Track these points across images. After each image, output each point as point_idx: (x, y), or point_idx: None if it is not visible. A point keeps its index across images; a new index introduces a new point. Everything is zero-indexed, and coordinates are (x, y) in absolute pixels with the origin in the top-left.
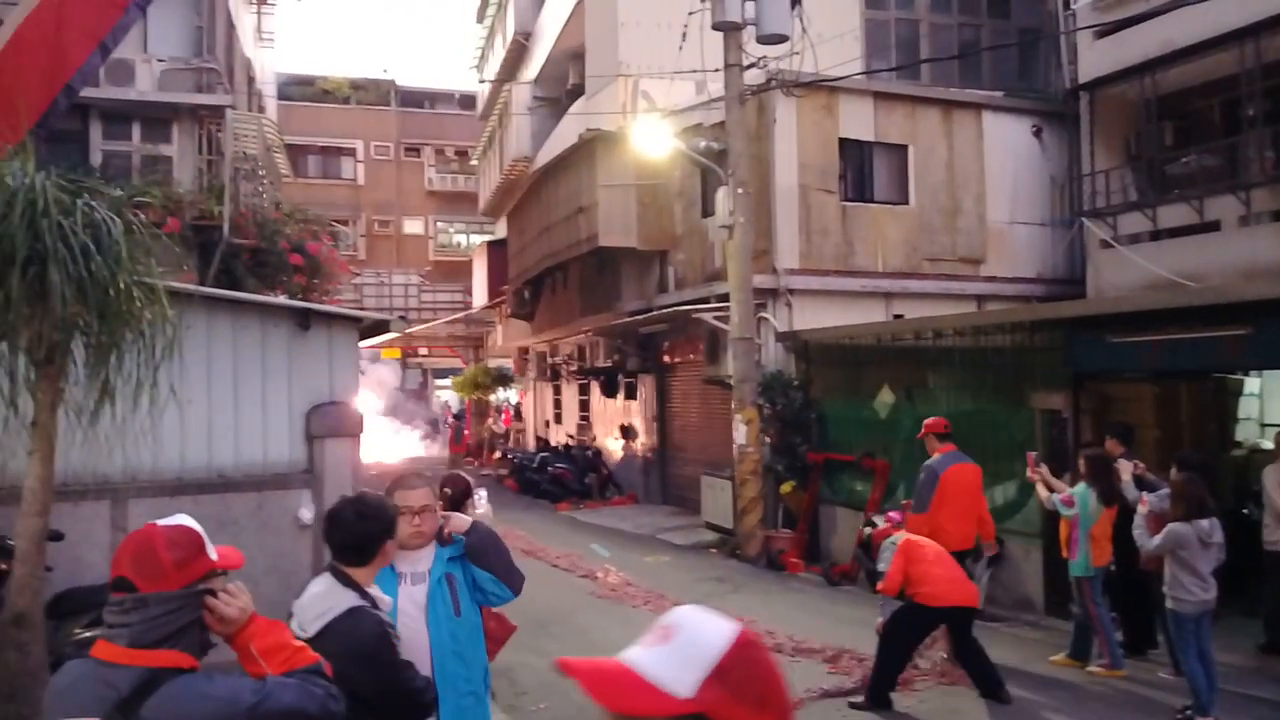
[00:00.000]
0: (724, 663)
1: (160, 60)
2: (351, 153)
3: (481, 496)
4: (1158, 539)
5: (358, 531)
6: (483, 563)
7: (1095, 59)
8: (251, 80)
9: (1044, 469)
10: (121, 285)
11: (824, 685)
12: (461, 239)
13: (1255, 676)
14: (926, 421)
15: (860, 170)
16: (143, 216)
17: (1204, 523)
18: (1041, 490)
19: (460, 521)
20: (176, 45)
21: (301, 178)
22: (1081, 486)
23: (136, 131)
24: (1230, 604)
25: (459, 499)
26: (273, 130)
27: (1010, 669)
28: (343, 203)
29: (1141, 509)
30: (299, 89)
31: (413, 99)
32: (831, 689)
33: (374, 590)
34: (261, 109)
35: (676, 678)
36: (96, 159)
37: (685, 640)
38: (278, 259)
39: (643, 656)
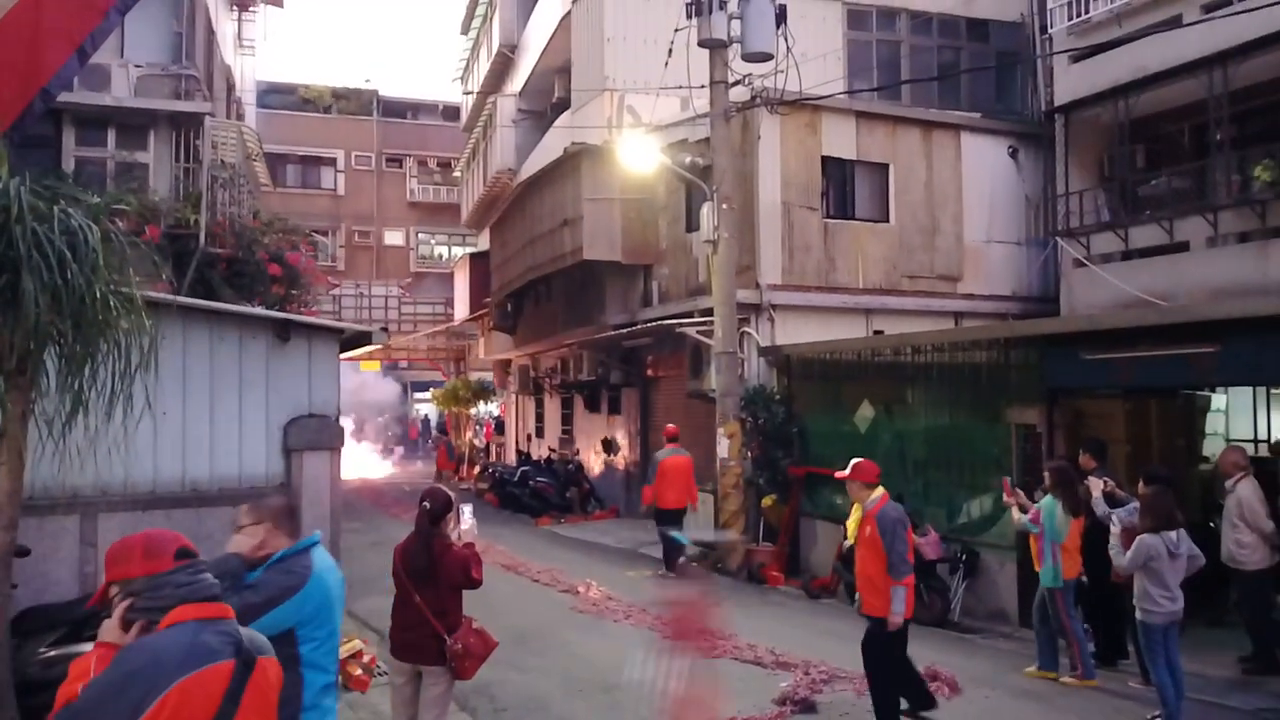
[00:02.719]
0: None
1: (137, 66)
2: (332, 162)
3: (467, 512)
4: (1130, 553)
5: None
6: None
7: (1070, 82)
8: (231, 87)
9: (1020, 493)
10: (98, 294)
11: (803, 696)
12: (443, 251)
13: (1225, 686)
14: (666, 428)
15: (842, 188)
16: (121, 224)
17: (1172, 534)
18: (1016, 514)
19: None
20: (154, 51)
21: (280, 187)
22: (1048, 499)
23: (111, 138)
24: (1197, 615)
25: (439, 513)
26: (253, 139)
27: (985, 679)
28: (322, 213)
29: (1115, 528)
30: (279, 97)
31: (395, 109)
32: (810, 700)
33: None
34: (240, 117)
35: None
36: (69, 165)
37: None
38: (255, 269)
39: None
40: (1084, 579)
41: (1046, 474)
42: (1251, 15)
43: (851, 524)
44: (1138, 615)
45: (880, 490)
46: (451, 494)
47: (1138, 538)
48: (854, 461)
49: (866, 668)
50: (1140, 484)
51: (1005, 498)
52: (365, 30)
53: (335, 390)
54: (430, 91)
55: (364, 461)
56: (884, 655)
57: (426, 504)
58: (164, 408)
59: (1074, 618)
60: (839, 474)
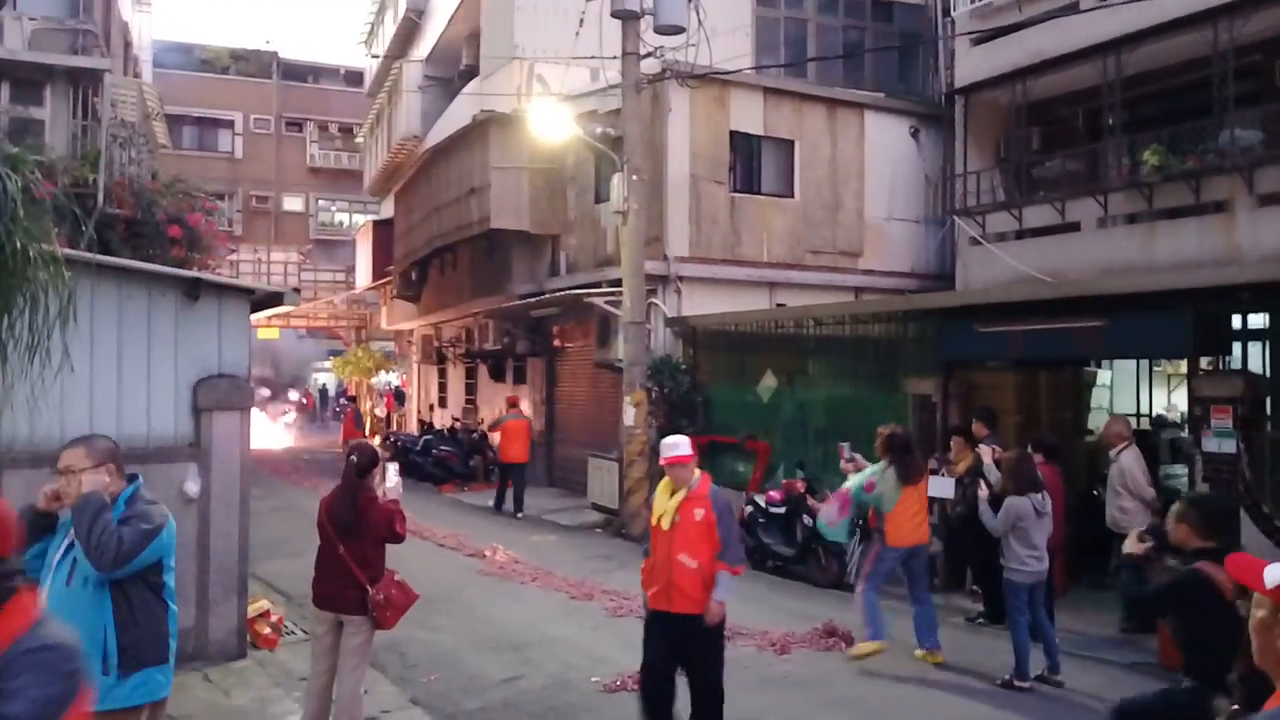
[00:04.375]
0: None
1: (32, 19)
2: (229, 125)
3: (392, 470)
4: (1000, 515)
5: None
6: (76, 529)
7: (971, 65)
8: (128, 45)
9: (858, 458)
10: (17, 246)
11: None
12: (344, 218)
13: (1104, 643)
14: (508, 396)
15: (749, 162)
16: (38, 177)
17: (1037, 495)
18: (852, 480)
19: (67, 488)
20: (49, 4)
21: (177, 149)
22: (879, 465)
23: (5, 92)
24: (1080, 578)
25: (366, 467)
26: (153, 98)
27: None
28: (219, 176)
29: (982, 494)
30: (176, 56)
31: (295, 72)
32: None
33: None
34: (138, 75)
35: None
36: None
37: None
38: (154, 230)
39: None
40: (933, 548)
41: (878, 442)
42: (1145, 4)
43: (670, 506)
44: (1005, 574)
45: (699, 470)
46: (377, 450)
47: (1006, 499)
48: (676, 439)
49: (705, 671)
50: (1029, 449)
51: (843, 464)
52: None
53: (246, 351)
54: (333, 55)
55: (262, 430)
56: (721, 648)
57: (354, 457)
58: (71, 364)
59: (872, 585)
60: (670, 458)
